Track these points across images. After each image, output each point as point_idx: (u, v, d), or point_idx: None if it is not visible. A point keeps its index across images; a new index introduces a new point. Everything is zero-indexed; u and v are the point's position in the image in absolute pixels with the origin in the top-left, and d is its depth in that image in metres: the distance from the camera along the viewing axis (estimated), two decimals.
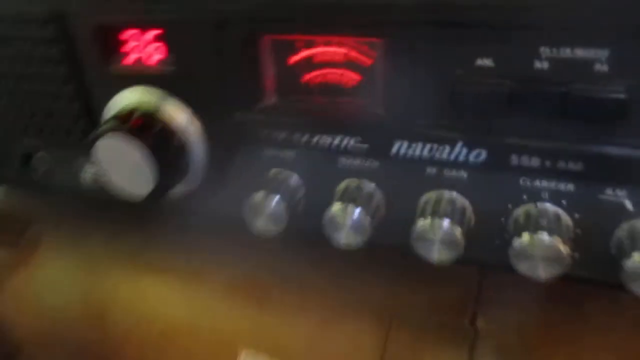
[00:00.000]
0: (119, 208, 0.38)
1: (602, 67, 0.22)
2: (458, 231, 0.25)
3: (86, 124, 0.33)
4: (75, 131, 0.34)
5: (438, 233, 0.26)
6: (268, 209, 0.29)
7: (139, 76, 0.30)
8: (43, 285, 0.42)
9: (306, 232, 0.30)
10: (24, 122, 0.35)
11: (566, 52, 0.22)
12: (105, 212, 0.42)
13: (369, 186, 0.28)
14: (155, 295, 0.39)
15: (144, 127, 0.29)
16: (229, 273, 0.38)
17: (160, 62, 0.29)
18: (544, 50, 0.22)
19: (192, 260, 0.39)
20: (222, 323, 0.36)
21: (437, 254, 0.26)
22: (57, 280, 0.42)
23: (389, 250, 0.30)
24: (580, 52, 0.22)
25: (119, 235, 0.42)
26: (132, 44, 0.29)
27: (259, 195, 0.29)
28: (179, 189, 0.31)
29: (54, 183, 0.38)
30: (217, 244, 0.38)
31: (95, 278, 0.41)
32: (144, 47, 0.29)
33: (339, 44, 0.26)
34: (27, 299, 0.42)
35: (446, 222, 0.25)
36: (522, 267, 0.25)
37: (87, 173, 0.35)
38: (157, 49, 0.29)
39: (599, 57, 0.22)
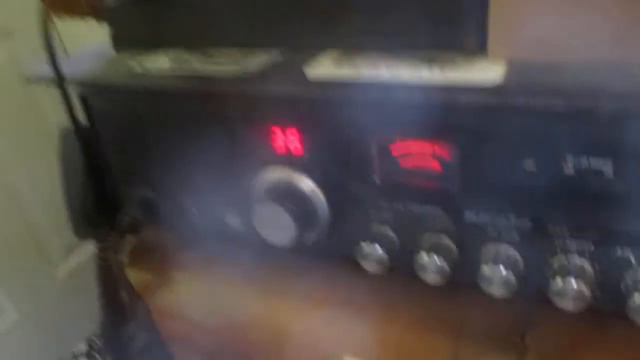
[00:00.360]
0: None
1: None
2: (511, 275, 0.37)
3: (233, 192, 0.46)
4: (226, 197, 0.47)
5: (497, 275, 0.37)
6: (373, 253, 0.41)
7: (282, 160, 0.43)
8: (185, 301, 0.56)
9: (399, 269, 0.42)
10: (186, 185, 0.49)
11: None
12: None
13: (445, 239, 0.40)
14: (281, 314, 0.51)
15: (287, 197, 0.41)
16: (337, 296, 0.50)
17: (296, 149, 0.42)
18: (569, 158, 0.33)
19: (307, 285, 0.51)
20: (333, 334, 0.48)
21: (496, 289, 0.37)
22: (195, 297, 0.56)
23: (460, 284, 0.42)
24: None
25: (252, 265, 0.54)
26: (279, 137, 0.42)
27: (366, 244, 0.41)
28: (308, 237, 0.44)
29: (200, 226, 0.51)
30: (330, 275, 0.50)
31: (230, 298, 0.54)
32: (287, 140, 0.42)
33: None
34: (170, 311, 0.56)
35: (503, 270, 0.37)
36: (560, 302, 0.36)
37: (233, 220, 0.49)
38: (294, 141, 0.42)
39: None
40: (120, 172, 0.54)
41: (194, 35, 0.48)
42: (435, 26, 0.39)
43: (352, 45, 0.43)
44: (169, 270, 0.58)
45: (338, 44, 0.43)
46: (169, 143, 0.48)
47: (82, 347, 1.42)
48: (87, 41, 0.68)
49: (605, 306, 0.37)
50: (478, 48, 0.38)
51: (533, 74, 0.35)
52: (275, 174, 0.43)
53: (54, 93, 0.49)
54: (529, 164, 0.35)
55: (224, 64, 0.45)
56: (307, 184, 0.42)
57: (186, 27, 0.49)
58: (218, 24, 0.47)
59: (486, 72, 0.36)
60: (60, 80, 0.48)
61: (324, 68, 0.41)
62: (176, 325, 0.55)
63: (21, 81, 1.29)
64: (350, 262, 0.42)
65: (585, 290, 0.35)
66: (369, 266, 0.41)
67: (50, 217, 1.40)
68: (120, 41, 0.55)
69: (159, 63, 0.48)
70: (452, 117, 0.36)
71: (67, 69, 0.49)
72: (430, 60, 0.38)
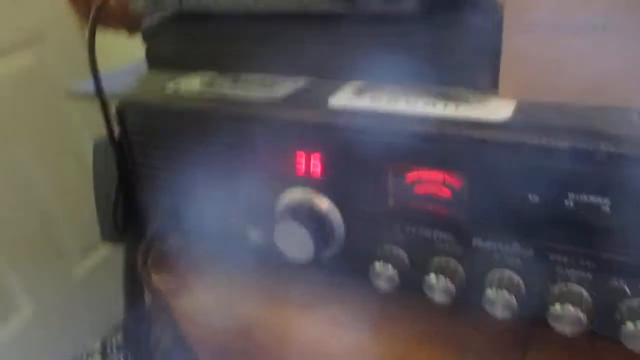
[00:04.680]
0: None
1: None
2: (513, 299, 0.39)
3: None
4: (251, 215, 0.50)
5: (500, 298, 0.40)
6: (385, 273, 0.44)
7: (303, 181, 0.46)
8: (200, 304, 0.59)
9: (407, 290, 0.45)
10: (219, 203, 0.52)
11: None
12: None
13: (453, 262, 0.43)
14: (292, 321, 0.54)
15: (306, 216, 0.45)
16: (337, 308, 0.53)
17: (317, 172, 0.45)
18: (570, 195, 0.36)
19: (317, 295, 0.54)
20: (338, 346, 0.51)
21: (499, 311, 0.40)
22: (211, 301, 0.59)
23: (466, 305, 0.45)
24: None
25: (267, 273, 0.58)
26: (302, 160, 0.46)
27: (378, 263, 0.44)
28: (325, 254, 0.47)
29: (221, 238, 0.54)
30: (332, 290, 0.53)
31: (244, 303, 0.57)
32: (309, 163, 0.45)
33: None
34: (186, 313, 0.59)
35: (506, 293, 0.40)
36: (558, 327, 0.39)
37: (254, 234, 0.52)
38: (315, 164, 0.45)
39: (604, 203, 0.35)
40: (150, 183, 0.57)
41: (226, 59, 0.52)
42: (451, 65, 0.42)
43: (374, 77, 0.46)
44: (189, 276, 0.61)
45: (360, 75, 0.46)
46: (196, 159, 0.51)
47: (96, 345, 1.46)
48: (113, 54, 0.72)
49: (601, 331, 0.40)
50: (490, 88, 0.42)
51: (540, 114, 0.38)
52: (296, 194, 0.46)
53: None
54: (533, 197, 0.38)
55: (252, 90, 0.48)
56: (325, 204, 0.45)
57: (220, 50, 0.53)
58: (250, 50, 0.51)
59: (495, 110, 0.39)
60: (100, 95, 0.52)
61: (346, 98, 0.44)
62: (194, 329, 0.59)
63: (50, 87, 1.34)
64: (363, 280, 0.45)
65: (582, 317, 0.37)
66: (381, 284, 0.44)
67: (70, 218, 1.45)
68: (155, 58, 0.59)
69: (191, 85, 0.52)
70: (462, 150, 0.39)
71: (104, 83, 0.53)
72: (445, 97, 0.42)
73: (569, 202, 0.37)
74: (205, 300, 0.59)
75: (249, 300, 0.57)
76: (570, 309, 0.38)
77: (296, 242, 0.45)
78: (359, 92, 0.45)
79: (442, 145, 0.40)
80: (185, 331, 0.57)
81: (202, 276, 0.61)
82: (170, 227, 0.57)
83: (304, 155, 0.45)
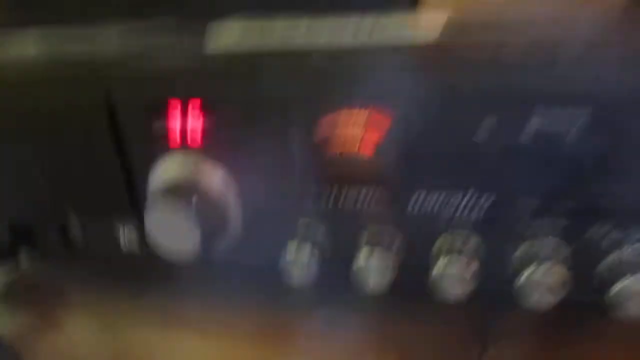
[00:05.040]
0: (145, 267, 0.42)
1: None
2: (468, 272, 0.30)
3: (126, 196, 0.37)
4: (116, 203, 0.38)
5: (455, 269, 0.30)
6: (301, 258, 0.33)
7: (183, 151, 0.34)
8: (75, 344, 0.45)
9: (333, 279, 0.34)
10: (66, 196, 0.39)
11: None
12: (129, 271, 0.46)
13: (390, 231, 0.33)
14: (186, 348, 0.42)
15: (187, 195, 0.33)
16: (255, 321, 0.41)
17: (198, 138, 0.34)
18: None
19: (219, 312, 0.42)
20: None
21: (452, 291, 0.30)
22: (87, 338, 0.45)
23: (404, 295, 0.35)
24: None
25: (146, 292, 0.45)
26: (174, 122, 0.34)
27: (292, 250, 0.33)
28: (218, 245, 0.35)
29: (93, 250, 0.41)
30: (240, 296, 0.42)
31: (125, 334, 0.44)
32: (186, 124, 0.34)
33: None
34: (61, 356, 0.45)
35: (462, 258, 0.30)
36: (531, 299, 0.29)
37: (129, 238, 0.39)
38: (195, 128, 0.33)
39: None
40: None
41: (66, 9, 0.40)
42: None
43: (260, 10, 0.35)
44: (54, 309, 0.47)
45: (246, 9, 0.36)
46: (40, 146, 0.38)
47: None
48: None
49: (578, 297, 0.31)
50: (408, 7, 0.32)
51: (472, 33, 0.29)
52: (174, 169, 0.35)
53: None
54: (485, 129, 0.28)
55: (105, 42, 0.36)
56: (213, 178, 0.34)
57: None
58: None
59: (419, 31, 0.30)
60: None
61: (230, 38, 0.33)
62: None
63: None
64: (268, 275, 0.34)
65: (566, 275, 0.28)
66: (295, 275, 0.33)
67: None
68: None
69: (22, 48, 0.39)
70: (386, 85, 0.29)
71: None
72: (355, 23, 0.32)
73: (531, 127, 0.28)
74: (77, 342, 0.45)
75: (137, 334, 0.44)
76: (541, 271, 0.29)
77: (176, 233, 0.33)
78: (245, 30, 0.34)
79: (359, 82, 0.30)
80: None
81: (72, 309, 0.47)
82: (17, 242, 0.42)
83: (179, 115, 0.34)
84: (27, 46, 0.39)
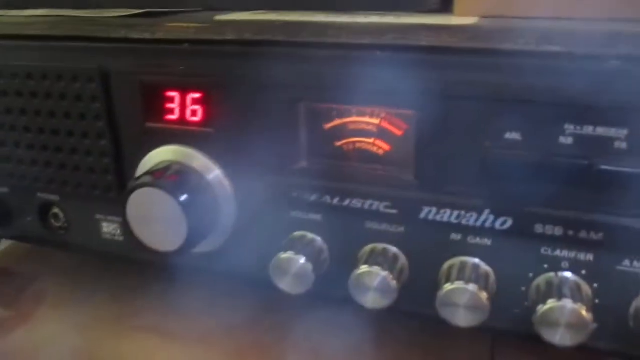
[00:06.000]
0: (131, 264, 0.38)
1: (621, 145, 0.24)
2: (484, 296, 0.26)
3: (113, 180, 0.34)
4: (101, 186, 0.35)
5: (464, 298, 0.26)
6: (294, 269, 0.29)
7: (176, 135, 0.31)
8: (43, 343, 0.41)
9: (328, 294, 0.31)
10: (50, 174, 0.36)
11: (588, 130, 0.24)
12: (110, 272, 0.42)
13: (394, 250, 0.29)
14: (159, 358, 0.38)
15: (177, 183, 0.30)
16: (237, 337, 0.38)
17: (198, 123, 0.31)
18: (568, 127, 0.24)
19: (199, 323, 0.39)
20: None
21: (463, 319, 0.27)
22: (57, 338, 0.41)
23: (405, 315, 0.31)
24: (601, 131, 0.24)
25: (124, 296, 0.41)
26: (172, 104, 0.31)
27: (285, 256, 0.29)
28: (204, 246, 0.32)
29: (72, 237, 0.38)
30: (224, 306, 0.38)
31: (98, 338, 0.40)
32: (183, 108, 0.31)
33: (372, 115, 0.28)
34: (23, 355, 0.41)
35: (473, 287, 0.26)
36: (545, 334, 0.26)
37: (110, 228, 0.36)
38: (195, 110, 0.31)
39: (619, 136, 0.24)
40: None
41: None
42: None
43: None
44: (26, 302, 0.43)
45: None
46: (27, 115, 0.35)
47: None
48: None
49: (605, 344, 0.27)
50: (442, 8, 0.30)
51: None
52: (165, 155, 0.32)
53: None
54: (511, 136, 0.25)
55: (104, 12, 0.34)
56: (208, 168, 0.31)
57: None
58: None
59: (453, 20, 0.27)
60: None
61: (237, 16, 0.31)
62: None
63: None
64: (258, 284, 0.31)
65: (585, 317, 0.25)
66: (288, 285, 0.30)
67: None
68: None
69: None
70: (410, 74, 0.26)
71: None
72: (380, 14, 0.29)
73: (565, 139, 0.24)
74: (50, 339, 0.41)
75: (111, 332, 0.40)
76: (569, 307, 0.25)
77: (160, 223, 0.29)
78: (255, 14, 0.31)
79: (378, 69, 0.27)
80: None
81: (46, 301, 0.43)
82: None
83: (177, 97, 0.31)
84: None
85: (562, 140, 0.24)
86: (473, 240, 0.28)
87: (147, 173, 0.30)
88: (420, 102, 0.26)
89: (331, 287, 0.30)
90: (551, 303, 0.25)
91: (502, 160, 0.25)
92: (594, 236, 0.25)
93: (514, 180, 0.25)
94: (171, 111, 0.31)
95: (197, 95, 0.30)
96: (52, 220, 0.39)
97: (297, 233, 0.31)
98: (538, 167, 0.25)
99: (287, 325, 0.37)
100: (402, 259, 0.29)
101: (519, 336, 0.29)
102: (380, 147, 0.29)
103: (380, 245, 0.29)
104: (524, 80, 0.24)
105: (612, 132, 0.24)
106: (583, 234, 0.25)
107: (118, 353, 0.38)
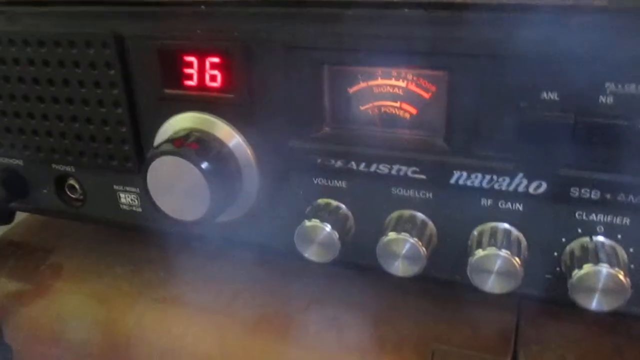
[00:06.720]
0: (149, 236, 0.38)
1: None
2: (517, 262, 0.26)
3: (131, 150, 0.33)
4: (118, 156, 0.34)
5: (496, 264, 0.26)
6: (319, 237, 0.29)
7: (196, 101, 0.30)
8: (62, 315, 0.41)
9: (354, 261, 0.30)
10: (65, 145, 0.35)
11: (630, 88, 0.23)
12: (129, 244, 0.42)
13: (422, 217, 0.29)
14: (181, 329, 0.38)
15: (198, 151, 0.29)
16: (260, 306, 0.37)
17: (218, 89, 0.30)
18: (609, 86, 0.23)
19: (221, 294, 0.38)
20: (252, 358, 0.35)
21: (495, 286, 0.26)
22: (76, 310, 0.41)
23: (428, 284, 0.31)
24: None
25: (144, 268, 0.41)
26: (190, 69, 0.30)
27: (310, 224, 0.29)
28: (226, 215, 0.31)
29: (89, 209, 0.37)
30: (246, 277, 0.38)
31: (119, 310, 0.40)
32: (202, 73, 0.30)
33: (398, 77, 0.27)
34: (44, 328, 0.41)
35: (505, 253, 0.26)
36: (581, 300, 0.25)
37: (128, 199, 0.35)
38: (214, 76, 0.30)
39: None
40: None
41: None
42: None
43: None
44: (44, 274, 0.43)
45: None
46: (43, 83, 0.34)
47: None
48: None
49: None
50: None
51: None
52: (183, 122, 0.31)
53: None
54: (549, 96, 0.24)
55: None
56: (229, 136, 0.30)
57: None
58: None
59: None
60: None
61: None
62: (50, 350, 0.40)
63: None
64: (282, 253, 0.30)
65: (624, 282, 0.24)
66: (314, 253, 0.29)
67: None
68: None
69: None
70: (442, 32, 0.25)
71: None
72: None
73: (605, 98, 0.23)
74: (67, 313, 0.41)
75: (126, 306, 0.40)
76: (606, 271, 0.24)
77: (180, 192, 0.29)
78: None
79: (406, 28, 0.25)
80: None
81: (65, 276, 0.43)
82: (6, 197, 0.39)
83: (196, 62, 0.30)
84: None
85: (602, 99, 0.23)
86: (504, 205, 0.27)
87: (167, 141, 0.29)
88: (453, 62, 0.25)
89: (357, 255, 0.30)
90: (587, 267, 0.24)
91: (538, 121, 0.24)
92: (632, 199, 0.25)
93: (550, 142, 0.24)
94: (189, 77, 0.30)
95: (215, 60, 0.29)
96: (69, 192, 0.38)
97: (322, 200, 0.30)
98: (575, 128, 0.24)
99: (309, 295, 0.36)
100: (431, 225, 0.29)
101: (551, 302, 0.29)
102: (407, 110, 0.28)
103: (407, 212, 0.29)
104: (563, 36, 0.23)
105: None
106: (621, 197, 0.25)
107: (140, 325, 0.38)
